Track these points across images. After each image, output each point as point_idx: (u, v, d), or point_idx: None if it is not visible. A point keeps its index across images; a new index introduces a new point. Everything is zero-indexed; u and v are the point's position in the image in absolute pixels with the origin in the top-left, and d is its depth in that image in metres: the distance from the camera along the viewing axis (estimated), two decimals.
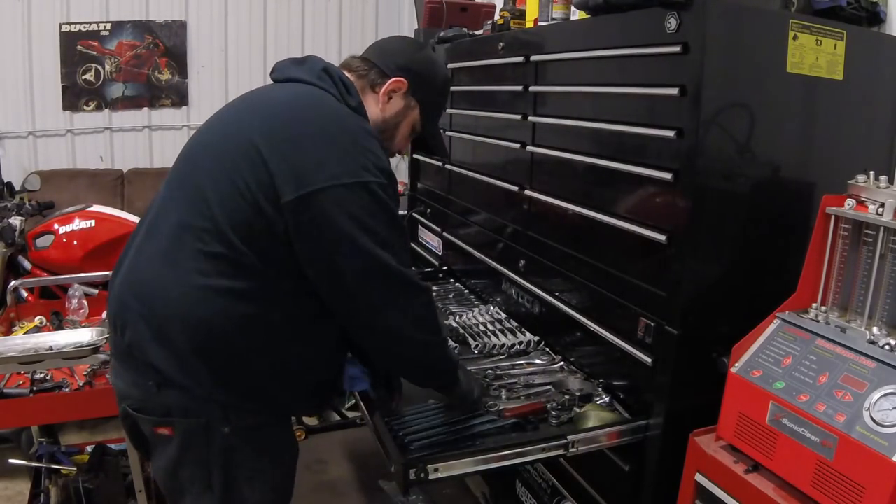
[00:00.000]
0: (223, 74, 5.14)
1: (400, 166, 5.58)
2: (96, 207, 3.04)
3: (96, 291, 2.80)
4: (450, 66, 2.59)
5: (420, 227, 3.04)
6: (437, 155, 1.66)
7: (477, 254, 2.40)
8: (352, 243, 1.20)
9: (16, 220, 2.89)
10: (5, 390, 1.83)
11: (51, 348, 1.77)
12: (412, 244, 3.15)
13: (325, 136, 1.25)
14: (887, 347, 1.12)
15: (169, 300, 1.24)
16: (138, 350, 1.26)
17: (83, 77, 4.86)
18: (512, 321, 2.13)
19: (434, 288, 2.61)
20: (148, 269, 1.28)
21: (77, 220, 2.94)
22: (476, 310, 2.26)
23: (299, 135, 1.24)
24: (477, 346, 1.99)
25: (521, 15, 2.24)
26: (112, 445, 2.26)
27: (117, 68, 4.94)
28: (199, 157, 1.33)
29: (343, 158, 1.23)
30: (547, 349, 1.95)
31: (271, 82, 1.45)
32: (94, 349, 1.77)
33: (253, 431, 1.32)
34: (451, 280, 2.68)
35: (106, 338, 1.85)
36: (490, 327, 2.09)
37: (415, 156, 3.09)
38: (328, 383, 1.47)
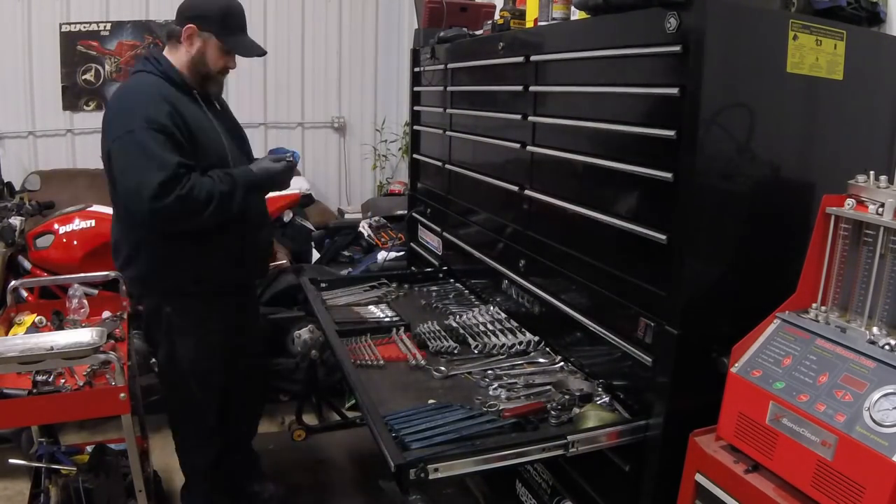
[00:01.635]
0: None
1: (400, 166, 5.60)
2: (96, 207, 3.04)
3: (96, 291, 2.80)
4: (450, 66, 2.60)
5: (420, 227, 3.04)
6: (245, 55, 2.08)
7: (477, 254, 2.40)
8: (123, 173, 1.93)
9: (16, 220, 2.89)
10: (5, 390, 1.83)
11: (51, 348, 1.77)
12: (412, 244, 3.16)
13: (113, 106, 2.02)
14: (887, 347, 1.12)
15: (114, 227, 2.20)
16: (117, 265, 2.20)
17: (83, 77, 4.86)
18: (512, 321, 2.13)
19: (434, 288, 2.61)
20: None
21: (77, 220, 2.93)
22: (476, 310, 2.26)
23: (108, 110, 2.02)
24: (477, 346, 1.99)
25: (521, 15, 2.24)
26: (112, 445, 2.26)
27: (117, 68, 4.93)
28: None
29: (117, 120, 1.92)
30: (547, 349, 1.95)
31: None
32: (95, 349, 1.76)
33: (182, 303, 2.10)
34: (451, 280, 2.68)
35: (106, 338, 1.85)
36: (490, 327, 2.09)
37: (415, 156, 3.09)
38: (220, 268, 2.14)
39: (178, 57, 2.04)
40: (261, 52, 2.10)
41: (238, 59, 2.11)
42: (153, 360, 2.96)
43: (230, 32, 2.04)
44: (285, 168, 2.15)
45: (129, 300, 2.37)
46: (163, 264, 2.07)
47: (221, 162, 2.07)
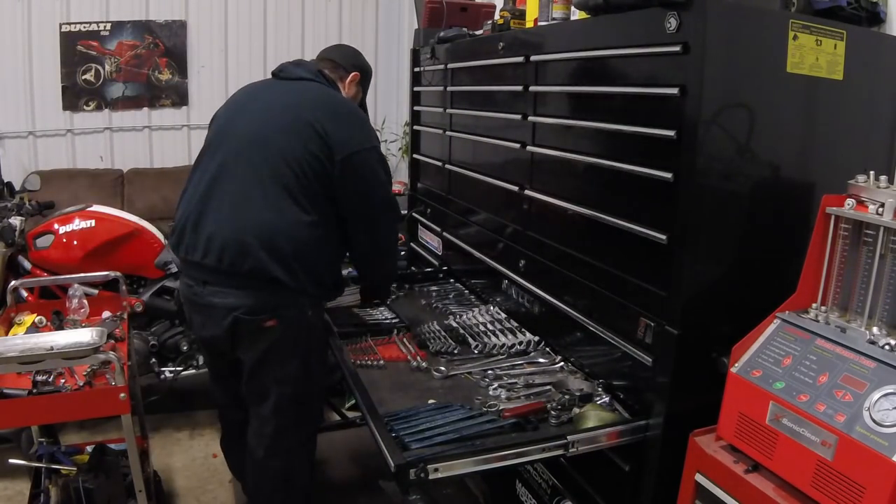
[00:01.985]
0: (223, 74, 5.14)
1: (400, 166, 5.59)
2: (96, 207, 3.03)
3: (96, 291, 2.80)
4: (450, 66, 2.60)
5: (420, 227, 3.04)
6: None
7: (477, 254, 2.40)
8: (375, 182, 1.99)
9: (16, 220, 2.89)
10: (5, 390, 1.83)
11: (51, 348, 1.77)
12: (412, 244, 3.16)
13: (354, 116, 2.03)
14: (887, 347, 1.12)
15: (279, 230, 1.86)
16: (260, 272, 1.84)
17: (83, 77, 4.86)
18: (512, 321, 2.13)
19: (434, 288, 2.61)
20: (256, 216, 1.86)
21: (77, 220, 2.93)
22: (476, 310, 2.26)
23: (341, 115, 1.98)
24: (477, 346, 1.99)
25: (521, 15, 2.24)
26: (112, 445, 2.26)
27: (117, 68, 4.94)
28: (266, 140, 1.91)
29: (365, 131, 2.02)
30: (547, 349, 1.95)
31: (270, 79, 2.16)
32: (95, 349, 1.76)
33: (320, 313, 2.07)
34: (451, 280, 2.68)
35: (106, 338, 1.85)
36: (490, 327, 2.09)
37: (415, 156, 3.09)
38: (339, 281, 2.17)
39: (341, 90, 2.18)
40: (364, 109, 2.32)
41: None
42: (153, 360, 2.97)
43: (366, 94, 2.30)
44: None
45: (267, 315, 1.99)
46: (331, 272, 2.07)
47: None
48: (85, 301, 2.37)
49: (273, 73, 2.15)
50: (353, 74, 2.18)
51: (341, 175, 1.90)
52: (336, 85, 2.14)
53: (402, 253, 2.59)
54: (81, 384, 1.84)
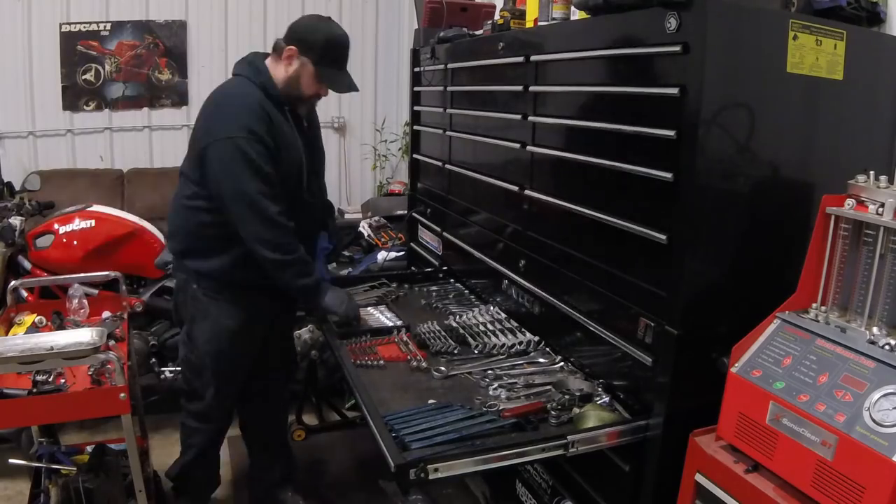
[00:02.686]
0: (223, 74, 5.05)
1: (400, 166, 5.60)
2: (96, 207, 3.03)
3: (96, 291, 2.80)
4: (450, 66, 2.60)
5: (420, 227, 3.04)
6: (336, 90, 2.13)
7: (477, 254, 2.40)
8: (224, 173, 1.94)
9: (16, 220, 2.89)
10: (5, 390, 1.83)
11: (51, 348, 1.77)
12: (412, 244, 3.15)
13: (215, 109, 2.02)
14: (887, 347, 1.12)
15: (173, 208, 2.13)
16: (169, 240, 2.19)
17: (83, 77, 4.86)
18: (512, 321, 2.13)
19: (434, 288, 2.61)
20: (173, 196, 2.16)
21: (77, 220, 2.93)
22: (476, 310, 2.26)
23: (207, 108, 2.04)
24: (477, 346, 1.99)
25: (521, 15, 2.24)
26: (112, 445, 2.26)
27: (117, 68, 4.94)
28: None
29: (221, 122, 1.97)
30: (547, 349, 1.95)
31: None
32: (94, 349, 1.76)
33: (210, 288, 2.12)
34: (451, 280, 2.68)
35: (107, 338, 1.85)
36: (490, 327, 2.09)
37: (415, 156, 3.09)
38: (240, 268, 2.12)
39: (277, 71, 2.07)
40: (354, 89, 2.14)
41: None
42: (153, 360, 2.97)
43: (327, 64, 2.07)
44: (353, 318, 2.20)
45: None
46: (216, 254, 2.10)
47: (297, 178, 2.11)
48: (85, 301, 2.37)
49: None
50: (286, 49, 2.04)
51: (202, 165, 1.99)
52: (265, 69, 2.06)
53: (331, 254, 2.41)
54: (90, 385, 1.85)
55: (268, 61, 2.09)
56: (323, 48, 2.05)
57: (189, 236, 2.12)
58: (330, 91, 2.13)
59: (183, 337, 2.24)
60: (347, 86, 2.12)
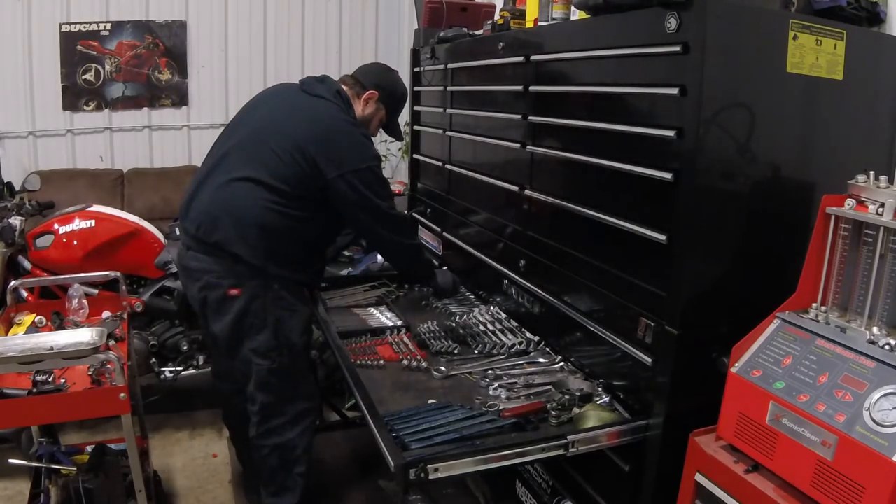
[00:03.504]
0: (223, 74, 5.14)
1: (400, 166, 5.59)
2: (96, 207, 3.03)
3: (96, 291, 2.80)
4: (450, 66, 2.60)
5: (420, 227, 3.04)
6: (393, 137, 2.50)
7: (477, 254, 2.40)
8: (363, 202, 2.11)
9: (16, 220, 2.89)
10: (5, 390, 1.83)
11: (51, 348, 1.77)
12: None
13: (347, 137, 2.13)
14: (887, 347, 1.12)
15: (251, 214, 2.05)
16: (225, 244, 2.05)
17: (83, 77, 4.86)
18: (512, 321, 2.13)
19: None
20: (233, 196, 2.07)
21: (77, 220, 2.93)
22: (476, 310, 2.26)
23: (331, 138, 2.11)
24: (477, 346, 1.99)
25: (521, 15, 2.24)
26: (112, 445, 2.26)
27: (117, 68, 4.94)
28: (263, 137, 2.11)
29: (355, 152, 2.11)
30: (547, 349, 1.95)
31: (271, 81, 2.08)
32: (95, 349, 1.76)
33: (289, 287, 2.14)
34: None
35: (107, 337, 1.85)
36: (490, 327, 2.09)
37: (415, 156, 3.09)
38: (318, 266, 2.36)
39: (355, 106, 2.27)
40: (399, 137, 2.52)
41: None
42: (153, 360, 2.97)
43: (395, 113, 2.39)
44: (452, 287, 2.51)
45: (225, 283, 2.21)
46: (302, 260, 2.19)
47: None
48: (85, 301, 2.37)
49: (300, 83, 2.31)
50: (369, 92, 2.27)
51: (335, 193, 2.09)
52: (351, 103, 2.24)
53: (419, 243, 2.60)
54: (90, 385, 1.85)
55: (351, 97, 2.27)
56: (399, 100, 2.39)
57: (280, 243, 2.09)
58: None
59: (264, 345, 2.10)
60: (399, 135, 2.49)
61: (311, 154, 2.05)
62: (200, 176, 2.18)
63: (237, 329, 2.09)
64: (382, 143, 5.53)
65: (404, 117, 2.62)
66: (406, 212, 3.21)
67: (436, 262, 2.64)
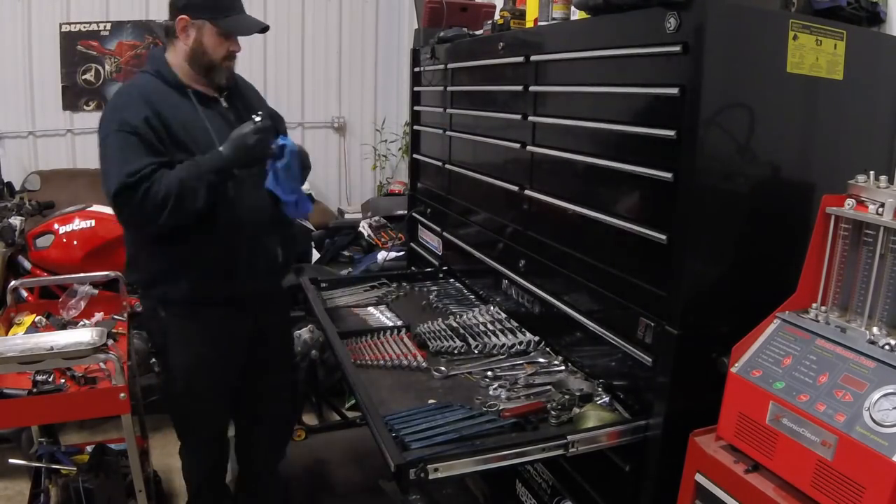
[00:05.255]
0: None
1: (400, 166, 5.60)
2: (96, 207, 3.04)
3: (96, 291, 2.80)
4: (450, 66, 2.60)
5: (420, 227, 3.04)
6: (247, 32, 1.99)
7: (477, 254, 2.40)
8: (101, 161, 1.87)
9: (16, 220, 2.89)
10: (5, 390, 1.83)
11: (51, 348, 1.77)
12: (412, 244, 3.15)
13: (103, 111, 1.94)
14: (887, 347, 1.12)
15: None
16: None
17: (83, 77, 4.86)
18: (512, 321, 2.13)
19: (434, 288, 2.61)
20: None
21: (77, 220, 2.93)
22: (476, 310, 2.26)
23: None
24: (477, 346, 1.99)
25: (521, 15, 2.24)
26: (112, 445, 2.26)
27: (117, 68, 4.93)
28: None
29: (104, 115, 1.91)
30: (547, 349, 1.95)
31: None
32: (94, 349, 1.76)
33: (180, 314, 1.99)
34: (451, 280, 2.68)
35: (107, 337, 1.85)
36: (490, 327, 2.09)
37: (415, 156, 3.09)
38: (210, 271, 1.99)
39: (176, 53, 1.96)
40: (262, 28, 1.99)
41: (238, 58, 2.02)
42: (153, 360, 2.97)
43: (225, 14, 1.93)
44: (253, 130, 1.86)
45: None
46: (155, 268, 1.99)
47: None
48: (81, 302, 2.37)
49: None
50: (178, 20, 1.91)
51: None
52: (164, 56, 1.97)
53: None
54: (78, 380, 1.85)
55: (167, 50, 1.99)
56: (216, 8, 1.92)
57: (143, 259, 1.99)
58: (240, 56, 2.01)
59: (159, 368, 2.16)
60: (252, 26, 1.98)
61: None
62: None
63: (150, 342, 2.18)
64: (383, 143, 5.56)
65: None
66: (406, 212, 3.21)
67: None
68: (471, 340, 2.02)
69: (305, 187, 2.14)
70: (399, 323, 2.24)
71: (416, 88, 2.99)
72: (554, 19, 1.95)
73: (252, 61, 5.16)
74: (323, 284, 2.59)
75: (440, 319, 2.20)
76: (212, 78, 1.99)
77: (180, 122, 1.91)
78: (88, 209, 3.01)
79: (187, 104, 1.96)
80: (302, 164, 2.03)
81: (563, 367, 1.85)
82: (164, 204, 1.79)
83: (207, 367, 2.07)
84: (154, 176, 1.80)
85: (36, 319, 2.24)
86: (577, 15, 1.85)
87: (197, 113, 1.97)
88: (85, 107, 4.91)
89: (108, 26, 4.84)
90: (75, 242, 2.89)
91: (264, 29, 2.00)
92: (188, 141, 1.91)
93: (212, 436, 2.24)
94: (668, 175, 1.40)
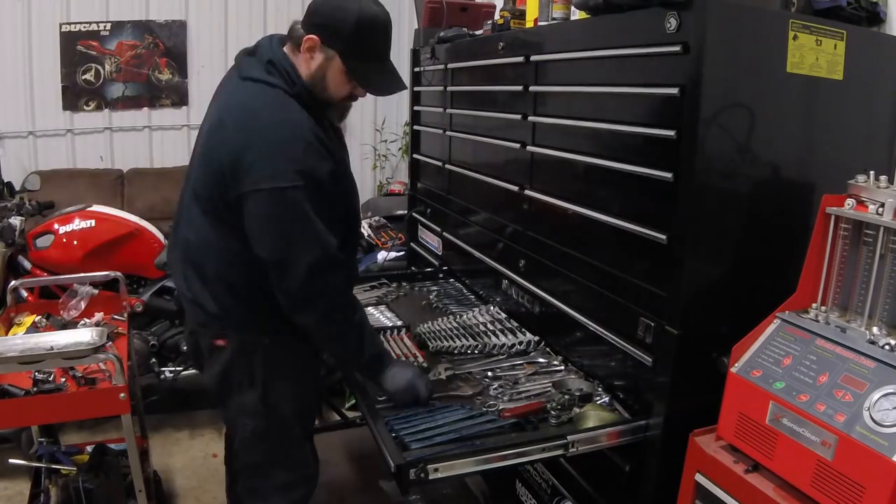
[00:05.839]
0: (223, 74, 5.12)
1: (400, 166, 5.59)
2: (96, 207, 3.04)
3: (96, 291, 2.80)
4: (450, 66, 2.60)
5: (420, 227, 3.04)
6: (384, 93, 1.64)
7: (477, 254, 2.40)
8: (263, 234, 1.52)
9: (16, 220, 2.89)
10: (6, 387, 1.83)
11: (51, 348, 1.77)
12: (412, 244, 3.15)
13: (256, 145, 1.48)
14: (887, 347, 1.12)
15: (211, 264, 1.64)
16: (200, 299, 1.65)
17: (83, 77, 4.86)
18: (512, 321, 2.13)
19: (434, 288, 2.61)
20: (182, 235, 1.68)
21: (77, 220, 2.93)
22: (476, 310, 2.26)
23: (239, 146, 1.49)
24: (477, 346, 1.99)
25: (521, 15, 2.24)
26: (112, 445, 2.26)
27: (117, 68, 4.94)
28: (198, 150, 1.68)
29: (265, 165, 1.47)
30: (547, 349, 1.95)
31: None
32: (94, 349, 1.76)
33: (284, 343, 1.68)
34: (451, 280, 2.68)
35: (108, 337, 1.85)
36: (490, 327, 2.09)
37: (415, 156, 3.09)
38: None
39: (297, 66, 1.59)
40: (402, 87, 1.63)
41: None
42: (153, 360, 2.97)
43: (361, 57, 1.56)
44: (427, 392, 1.65)
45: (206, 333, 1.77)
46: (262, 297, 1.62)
47: (353, 217, 1.73)
48: (82, 303, 2.37)
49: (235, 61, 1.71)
50: (307, 39, 1.54)
51: (237, 215, 1.54)
52: (294, 65, 1.58)
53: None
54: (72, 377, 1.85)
55: (289, 54, 1.60)
56: (357, 36, 1.52)
57: (248, 290, 1.63)
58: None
59: (250, 406, 1.70)
60: (391, 84, 1.61)
61: (223, 168, 1.51)
62: (179, 204, 1.75)
63: (224, 382, 1.70)
64: (382, 143, 5.55)
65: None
66: (406, 212, 3.21)
67: (392, 354, 1.81)
68: (471, 340, 2.02)
69: None
70: (399, 323, 2.24)
71: (416, 88, 2.99)
72: (554, 19, 1.95)
73: None
74: None
75: (440, 319, 2.20)
76: (326, 115, 1.66)
77: (341, 164, 1.63)
78: (88, 209, 3.00)
79: (333, 138, 1.66)
80: None
81: (562, 367, 1.85)
82: (338, 319, 1.59)
83: (308, 397, 1.85)
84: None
85: (36, 320, 2.24)
86: (577, 15, 1.85)
87: (344, 153, 1.70)
88: (85, 107, 4.92)
89: (108, 26, 4.85)
90: (75, 242, 2.89)
91: (402, 89, 1.65)
92: (346, 189, 1.67)
93: (309, 472, 1.93)
94: (668, 175, 1.40)
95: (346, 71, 1.56)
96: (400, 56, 5.27)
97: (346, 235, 1.67)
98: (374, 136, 5.61)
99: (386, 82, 1.61)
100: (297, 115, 1.53)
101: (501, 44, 2.16)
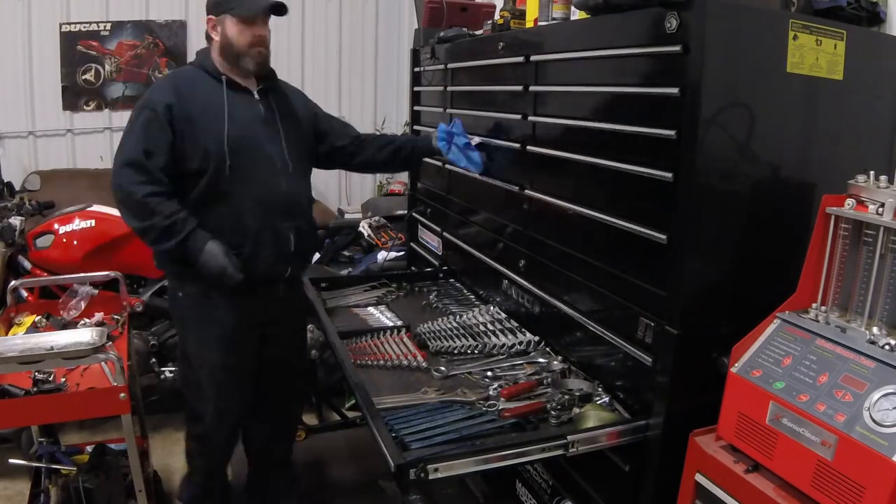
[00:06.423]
0: None
1: None
2: (96, 207, 3.04)
3: (96, 291, 2.80)
4: (450, 66, 2.60)
5: (420, 227, 3.04)
6: (258, 7, 2.07)
7: (477, 254, 2.40)
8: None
9: (16, 220, 2.89)
10: (6, 386, 1.83)
11: (51, 348, 1.77)
12: (412, 244, 3.15)
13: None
14: (887, 347, 1.12)
15: None
16: None
17: (83, 77, 4.86)
18: (512, 321, 2.13)
19: (434, 288, 2.61)
20: None
21: (77, 220, 2.93)
22: (476, 310, 2.26)
23: None
24: (477, 346, 1.99)
25: (521, 15, 2.24)
26: (112, 445, 2.26)
27: (117, 68, 4.93)
28: None
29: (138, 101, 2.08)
30: (547, 349, 1.95)
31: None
32: (94, 349, 1.76)
33: (189, 291, 2.09)
34: (451, 280, 2.68)
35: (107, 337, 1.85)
36: (490, 327, 2.09)
37: None
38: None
39: (214, 51, 2.12)
40: (272, 5, 2.10)
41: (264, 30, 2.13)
42: (153, 360, 2.97)
43: (241, 2, 2.05)
44: (232, 269, 1.97)
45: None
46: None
47: (217, 148, 2.00)
48: (81, 303, 2.37)
49: None
50: (207, 22, 2.12)
51: None
52: (202, 55, 2.16)
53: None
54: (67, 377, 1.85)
55: (210, 51, 2.14)
56: (234, 2, 2.04)
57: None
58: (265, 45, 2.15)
59: (177, 352, 2.19)
60: (264, 4, 2.07)
61: None
62: None
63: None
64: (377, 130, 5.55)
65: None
66: (406, 212, 3.21)
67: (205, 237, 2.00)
68: (471, 340, 2.02)
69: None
70: (399, 323, 2.24)
71: (416, 88, 2.99)
72: (554, 19, 1.95)
73: None
74: (323, 284, 2.59)
75: (440, 319, 2.20)
76: (242, 66, 2.10)
77: (203, 106, 2.03)
78: (88, 209, 3.00)
79: (218, 89, 2.08)
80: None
81: (562, 367, 1.85)
82: (145, 214, 1.99)
83: (221, 349, 2.11)
84: (163, 186, 2.00)
85: (36, 320, 2.24)
86: (577, 15, 1.85)
87: (222, 96, 2.07)
88: (85, 107, 4.91)
89: (108, 26, 4.84)
90: (75, 242, 2.89)
91: (277, 7, 2.10)
92: (204, 125, 2.01)
93: (223, 422, 2.22)
94: (669, 175, 1.40)
95: (236, 19, 2.04)
96: (400, 56, 5.31)
97: (219, 166, 2.00)
98: None
99: (259, 4, 2.07)
100: (178, 72, 2.30)
101: (501, 44, 2.16)
